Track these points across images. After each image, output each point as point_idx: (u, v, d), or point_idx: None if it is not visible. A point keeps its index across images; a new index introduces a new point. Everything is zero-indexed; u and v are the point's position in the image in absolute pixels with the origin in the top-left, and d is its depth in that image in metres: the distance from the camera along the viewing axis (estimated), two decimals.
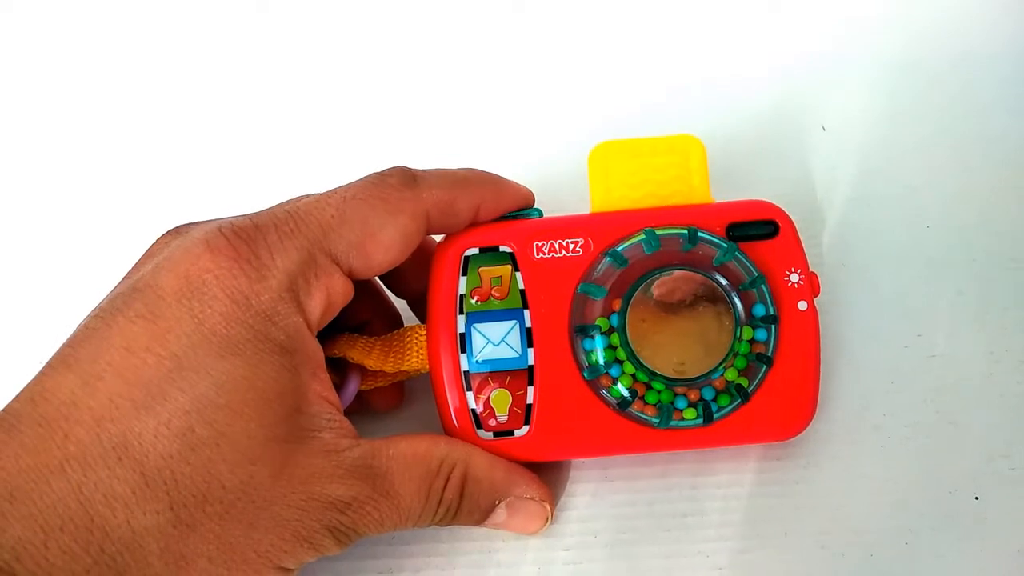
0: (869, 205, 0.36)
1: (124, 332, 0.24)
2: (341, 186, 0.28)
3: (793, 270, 0.30)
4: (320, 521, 0.25)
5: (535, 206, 0.31)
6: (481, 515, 0.29)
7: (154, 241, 0.28)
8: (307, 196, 0.29)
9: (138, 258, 0.28)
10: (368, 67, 0.41)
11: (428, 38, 0.41)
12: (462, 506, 0.28)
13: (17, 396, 0.24)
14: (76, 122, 0.40)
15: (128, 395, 0.23)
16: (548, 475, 0.31)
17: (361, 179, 0.28)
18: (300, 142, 0.39)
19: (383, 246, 0.28)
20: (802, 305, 0.29)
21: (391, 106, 0.40)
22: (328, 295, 0.27)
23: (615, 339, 0.29)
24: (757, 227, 0.30)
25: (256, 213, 0.28)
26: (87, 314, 0.26)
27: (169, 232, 0.28)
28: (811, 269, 0.30)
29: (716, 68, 0.39)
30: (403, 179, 0.28)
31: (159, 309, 0.24)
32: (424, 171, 0.29)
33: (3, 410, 0.24)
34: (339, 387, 0.31)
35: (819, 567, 0.30)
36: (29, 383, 0.24)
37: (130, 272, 0.28)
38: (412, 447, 0.27)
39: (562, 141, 0.36)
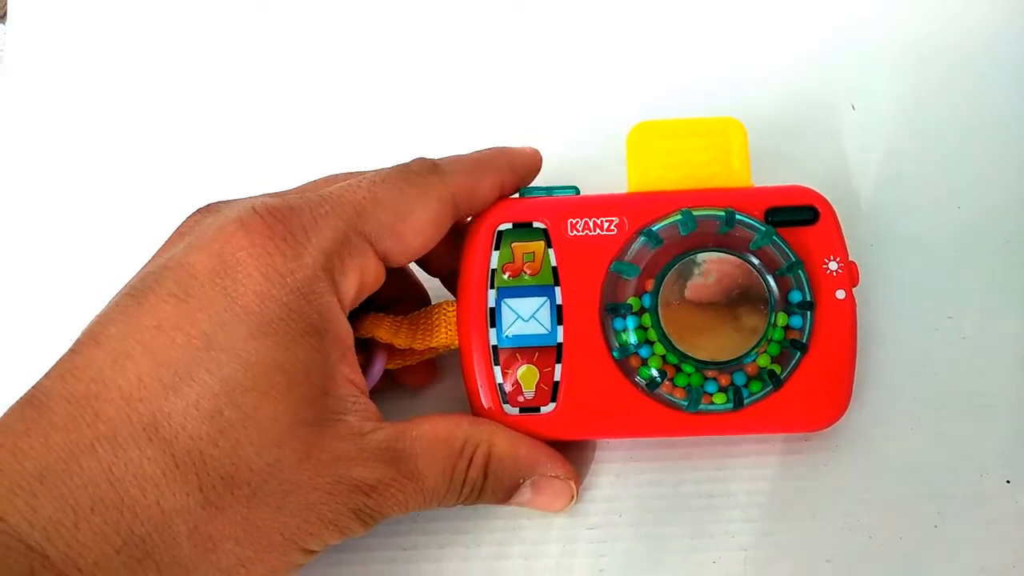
0: (899, 185, 0.35)
1: (155, 310, 0.24)
2: (368, 171, 0.28)
3: (832, 258, 0.29)
4: (346, 504, 0.25)
5: (572, 184, 0.31)
6: (506, 494, 0.29)
7: (183, 220, 0.28)
8: (335, 177, 0.29)
9: (167, 237, 0.28)
10: (398, 53, 0.40)
11: (467, 15, 0.40)
12: (486, 485, 0.28)
13: (47, 373, 0.24)
14: (104, 104, 0.40)
15: (157, 375, 0.23)
16: (573, 455, 0.31)
17: (385, 168, 0.28)
18: (326, 129, 0.39)
19: (414, 229, 0.28)
20: (840, 294, 0.29)
21: (420, 88, 0.39)
22: (361, 276, 0.27)
23: (646, 320, 0.28)
24: (797, 212, 0.29)
25: (287, 192, 0.27)
26: (116, 292, 0.25)
27: (199, 211, 0.28)
28: (851, 258, 0.29)
29: (745, 49, 0.38)
30: (427, 167, 0.28)
31: (191, 288, 0.24)
32: (443, 159, 0.29)
33: (33, 387, 0.24)
34: (365, 367, 0.31)
35: (847, 549, 0.30)
36: (59, 360, 0.24)
37: (160, 251, 0.27)
38: (435, 428, 0.27)
39: (600, 122, 0.35)
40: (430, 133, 0.36)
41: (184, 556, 0.23)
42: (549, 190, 0.31)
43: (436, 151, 0.30)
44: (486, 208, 0.30)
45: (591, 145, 0.34)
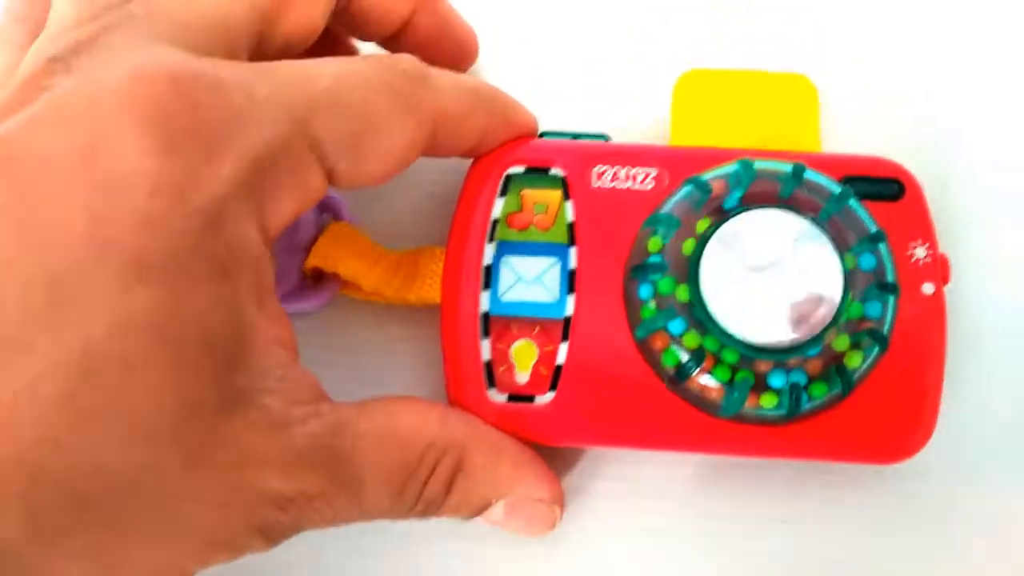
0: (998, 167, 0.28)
1: None
2: (337, 57, 0.21)
3: (919, 243, 0.23)
4: (247, 521, 0.18)
5: (604, 132, 0.25)
6: (471, 512, 0.22)
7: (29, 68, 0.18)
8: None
9: None
10: None
11: None
12: (448, 501, 0.21)
13: None
14: None
15: None
16: None
17: (364, 56, 0.21)
18: None
19: (381, 151, 0.20)
20: (928, 288, 0.23)
21: None
22: (300, 199, 0.19)
23: (683, 291, 0.22)
24: (877, 184, 0.23)
25: (216, 63, 0.19)
26: None
27: (49, 59, 0.18)
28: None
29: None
30: (418, 70, 0.21)
31: (35, 196, 0.16)
32: (436, 71, 0.22)
33: None
34: (308, 288, 0.25)
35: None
36: None
37: None
38: (392, 423, 0.20)
39: (641, 69, 0.28)
40: None
41: None
42: (574, 135, 0.25)
43: None
44: (451, 155, 0.23)
45: (629, 98, 0.28)
